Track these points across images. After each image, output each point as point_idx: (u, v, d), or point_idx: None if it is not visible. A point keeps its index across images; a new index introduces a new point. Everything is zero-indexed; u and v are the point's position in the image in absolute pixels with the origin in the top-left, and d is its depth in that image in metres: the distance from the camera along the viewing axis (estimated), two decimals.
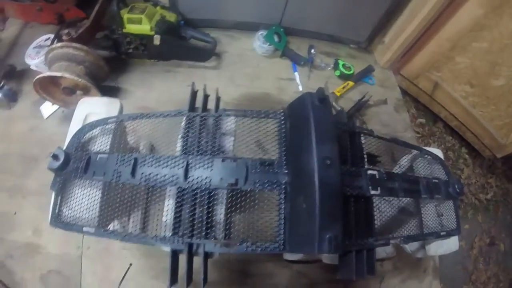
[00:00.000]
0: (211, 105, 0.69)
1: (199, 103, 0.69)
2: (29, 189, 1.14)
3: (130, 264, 0.98)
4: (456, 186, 0.78)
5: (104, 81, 1.15)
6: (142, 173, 0.59)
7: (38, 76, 0.96)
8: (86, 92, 1.04)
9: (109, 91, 1.05)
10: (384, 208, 0.72)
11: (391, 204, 0.71)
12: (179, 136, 0.65)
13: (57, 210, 0.69)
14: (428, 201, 0.80)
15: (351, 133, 0.72)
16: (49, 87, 1.04)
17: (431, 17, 1.21)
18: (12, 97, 1.25)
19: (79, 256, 1.02)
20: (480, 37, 1.17)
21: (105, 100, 0.75)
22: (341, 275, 0.62)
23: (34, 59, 1.15)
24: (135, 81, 1.31)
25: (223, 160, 0.58)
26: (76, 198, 0.68)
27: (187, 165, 0.58)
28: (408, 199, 0.77)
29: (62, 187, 0.69)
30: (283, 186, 0.58)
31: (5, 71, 1.24)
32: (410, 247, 0.91)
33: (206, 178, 0.57)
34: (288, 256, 0.94)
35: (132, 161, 0.60)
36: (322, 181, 0.52)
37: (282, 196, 0.58)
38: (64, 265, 1.02)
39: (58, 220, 0.68)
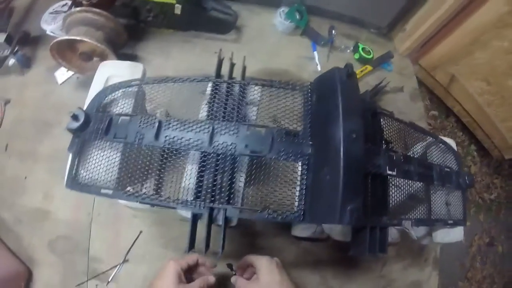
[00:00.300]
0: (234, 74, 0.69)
1: (223, 71, 0.69)
2: (41, 154, 1.14)
3: (140, 231, 0.99)
4: (466, 177, 0.79)
5: (122, 48, 1.14)
6: (166, 136, 0.59)
7: (55, 40, 0.95)
8: (103, 58, 1.03)
9: (127, 58, 1.03)
10: (398, 189, 0.73)
11: (405, 186, 0.71)
12: (204, 102, 0.65)
13: (74, 172, 0.69)
14: (439, 188, 0.81)
15: (373, 112, 0.72)
16: (65, 52, 1.03)
17: (455, 9, 1.19)
18: (26, 63, 1.24)
19: (89, 222, 1.03)
20: (502, 35, 1.15)
21: (127, 63, 0.74)
22: (354, 251, 0.63)
23: (50, 25, 1.13)
24: (153, 49, 1.29)
25: (249, 128, 0.58)
26: (95, 160, 0.67)
27: (213, 130, 0.58)
28: (419, 184, 0.78)
29: (80, 149, 0.69)
30: (307, 157, 0.58)
31: (19, 36, 1.22)
32: (416, 233, 0.92)
33: (231, 144, 0.57)
34: (297, 232, 0.95)
35: (156, 124, 0.60)
36: (347, 154, 0.52)
37: (305, 167, 0.58)
38: (73, 231, 1.03)
39: (75, 182, 0.68)
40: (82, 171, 0.69)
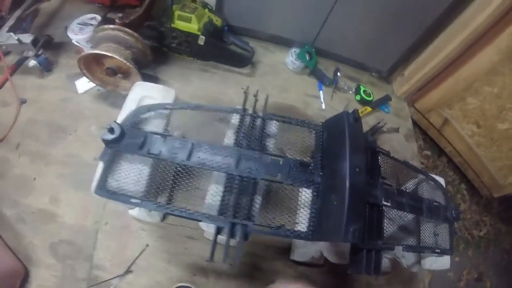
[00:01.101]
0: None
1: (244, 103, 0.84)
2: (53, 158, 1.24)
3: (147, 245, 1.09)
4: (453, 211, 0.95)
5: (145, 68, 1.28)
6: (198, 157, 0.72)
7: (86, 52, 1.08)
8: (126, 76, 1.17)
9: (148, 79, 1.17)
10: (391, 218, 0.88)
11: (397, 216, 0.86)
12: (230, 131, 0.80)
13: (103, 180, 0.80)
14: (428, 220, 0.96)
15: (373, 150, 0.88)
16: (91, 64, 1.16)
17: (451, 57, 1.40)
18: (47, 67, 1.36)
19: (96, 230, 1.11)
20: (493, 81, 1.35)
21: (161, 87, 0.88)
22: (352, 269, 0.76)
23: (77, 35, 1.27)
24: (173, 74, 1.44)
25: (270, 157, 0.72)
26: (125, 170, 0.79)
27: (239, 156, 0.72)
28: (410, 216, 0.93)
29: (112, 159, 0.81)
30: (317, 185, 0.73)
31: (44, 40, 1.33)
32: (407, 261, 1.06)
33: (255, 169, 0.71)
34: (296, 257, 1.07)
35: (190, 146, 0.73)
36: (352, 184, 0.67)
37: (315, 193, 0.73)
38: (78, 237, 1.11)
39: (103, 189, 0.78)
40: (110, 180, 0.80)
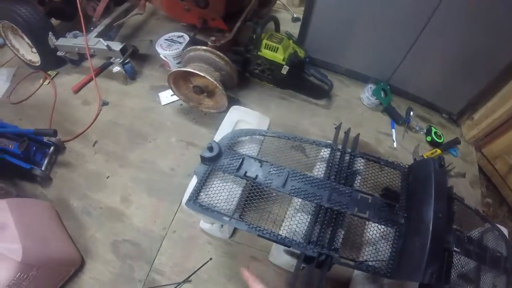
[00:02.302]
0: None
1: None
2: (129, 161, 1.39)
3: (210, 258, 1.18)
4: None
5: (229, 90, 1.40)
6: (292, 186, 0.83)
7: (179, 69, 1.23)
8: (210, 95, 1.31)
9: (230, 101, 1.30)
10: (458, 264, 0.94)
11: (462, 263, 0.92)
12: (321, 164, 0.90)
13: (196, 194, 0.91)
14: (488, 270, 1.01)
15: (449, 196, 0.95)
16: (179, 80, 1.31)
17: None
18: (132, 75, 1.54)
19: (162, 236, 1.22)
20: None
21: (257, 114, 1.00)
22: None
23: (165, 50, 1.44)
24: (253, 98, 1.58)
25: (360, 195, 0.82)
26: (218, 188, 0.90)
27: (332, 190, 0.82)
28: (474, 263, 0.98)
29: (206, 175, 0.93)
30: (400, 226, 0.81)
31: (131, 50, 1.52)
32: None
33: (345, 204, 0.81)
34: None
35: (286, 174, 0.84)
36: (434, 228, 0.75)
37: (397, 233, 0.81)
38: (143, 239, 1.22)
39: (196, 203, 0.88)
40: (203, 195, 0.91)
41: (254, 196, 0.85)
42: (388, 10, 1.34)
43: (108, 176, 1.36)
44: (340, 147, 0.92)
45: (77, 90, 1.61)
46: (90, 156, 1.42)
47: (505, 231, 1.15)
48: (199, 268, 1.17)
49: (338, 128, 0.93)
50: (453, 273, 0.92)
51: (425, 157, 1.42)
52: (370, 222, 0.82)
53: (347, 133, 0.94)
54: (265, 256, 1.15)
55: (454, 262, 0.93)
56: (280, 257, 1.14)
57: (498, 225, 1.13)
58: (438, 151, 1.46)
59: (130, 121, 1.46)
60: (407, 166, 0.90)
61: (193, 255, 1.19)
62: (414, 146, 1.47)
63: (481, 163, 1.61)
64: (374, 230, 0.88)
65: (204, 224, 1.20)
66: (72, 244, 1.20)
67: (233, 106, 1.02)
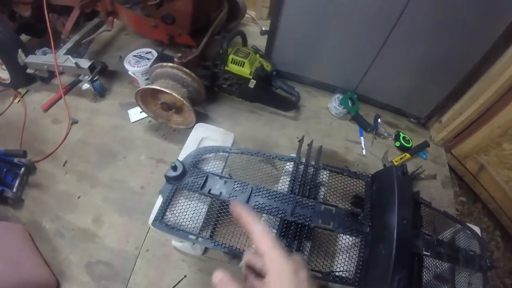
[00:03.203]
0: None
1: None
2: (100, 180, 1.36)
3: (185, 276, 1.16)
4: (487, 260, 1.00)
5: (197, 106, 1.41)
6: (256, 202, 0.82)
7: (146, 86, 1.22)
8: (179, 111, 1.30)
9: (198, 116, 1.30)
10: (429, 267, 0.95)
11: (434, 266, 0.93)
12: (284, 178, 0.90)
13: (162, 214, 0.90)
14: (463, 270, 1.02)
15: (415, 201, 0.96)
16: (147, 97, 1.30)
17: (486, 105, 1.48)
18: (101, 93, 1.52)
19: (135, 256, 1.20)
20: None
21: (221, 130, 1.00)
22: None
23: (134, 67, 1.43)
24: (222, 113, 1.59)
25: (324, 206, 0.82)
26: (183, 207, 0.89)
27: (295, 203, 0.81)
28: (447, 265, 0.99)
29: (171, 194, 0.92)
30: (365, 235, 0.81)
31: (100, 67, 1.50)
32: None
33: (309, 217, 0.80)
34: None
35: (249, 190, 0.83)
36: (399, 235, 0.75)
37: (363, 242, 0.81)
38: (116, 260, 1.20)
39: (162, 223, 0.87)
40: (169, 215, 0.90)
41: (224, 212, 0.84)
42: (352, 21, 1.36)
43: (79, 197, 1.33)
44: (304, 160, 0.93)
45: (47, 109, 1.58)
46: (61, 176, 1.38)
47: (477, 229, 1.16)
48: (174, 286, 1.15)
49: (301, 141, 0.94)
50: (425, 276, 0.93)
51: (395, 162, 1.44)
52: (338, 233, 0.82)
53: (310, 145, 0.94)
54: (239, 270, 1.13)
55: (426, 266, 0.94)
56: None
57: (471, 224, 1.15)
58: (408, 155, 1.48)
59: (99, 139, 1.44)
60: (370, 175, 0.91)
61: (168, 273, 1.17)
62: (383, 152, 1.49)
63: (452, 164, 1.64)
64: (341, 240, 0.88)
65: (176, 242, 1.18)
66: (47, 267, 1.16)
67: (198, 124, 1.02)
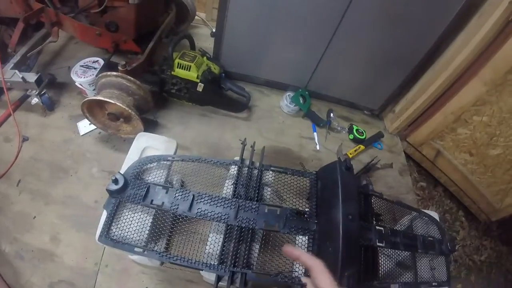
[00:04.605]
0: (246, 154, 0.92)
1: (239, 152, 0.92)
2: (53, 198, 1.30)
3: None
4: (448, 244, 1.01)
5: (146, 113, 1.36)
6: (198, 209, 0.79)
7: (90, 97, 1.17)
8: (127, 120, 1.25)
9: (148, 124, 1.26)
10: (386, 258, 0.94)
11: (392, 255, 0.93)
12: (229, 182, 0.87)
13: (107, 229, 0.86)
14: (423, 255, 1.02)
15: (365, 194, 0.95)
16: (94, 108, 1.24)
17: (439, 92, 1.51)
18: (50, 106, 1.44)
19: (95, 272, 1.15)
20: (481, 111, 1.45)
21: (164, 138, 0.95)
22: None
23: (80, 77, 1.36)
24: (173, 118, 1.54)
25: (267, 207, 0.80)
26: (128, 220, 0.85)
27: (238, 207, 0.79)
28: (406, 252, 0.99)
29: (115, 208, 0.87)
30: (312, 233, 0.80)
31: (47, 79, 1.42)
32: None
33: (252, 220, 0.78)
34: None
35: (191, 197, 0.80)
36: (345, 231, 0.73)
37: (311, 240, 0.79)
38: (78, 278, 1.15)
39: (108, 238, 0.84)
40: (114, 228, 0.86)
41: (178, 220, 0.81)
42: (298, 17, 1.35)
43: (35, 216, 1.27)
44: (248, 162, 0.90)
45: None
46: (15, 196, 1.31)
47: (435, 214, 1.17)
48: None
49: (244, 144, 0.91)
50: (384, 268, 0.92)
51: (349, 155, 1.44)
52: (285, 233, 0.80)
53: (252, 147, 0.92)
54: (200, 277, 1.10)
55: (385, 256, 0.93)
56: (211, 275, 1.11)
57: (428, 210, 1.15)
58: (362, 147, 1.49)
59: (50, 155, 1.37)
60: (314, 172, 0.89)
61: (129, 287, 1.13)
62: (337, 146, 1.49)
63: (408, 152, 1.66)
64: (289, 240, 0.86)
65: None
66: None
67: (140, 133, 0.97)
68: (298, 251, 0.54)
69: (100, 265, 1.16)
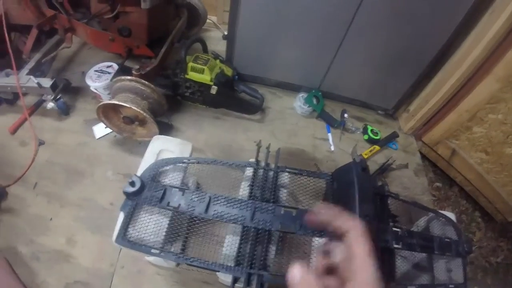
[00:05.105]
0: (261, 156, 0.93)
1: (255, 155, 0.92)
2: (69, 200, 1.32)
3: None
4: (465, 245, 0.99)
5: (160, 116, 1.38)
6: (215, 211, 0.80)
7: (104, 102, 1.19)
8: (142, 124, 1.26)
9: (163, 127, 1.27)
10: (403, 260, 0.93)
11: (409, 257, 0.92)
12: (245, 183, 0.87)
13: (124, 230, 0.87)
14: (440, 257, 1.01)
15: (382, 195, 0.94)
16: (109, 112, 1.26)
17: (453, 91, 1.49)
18: (65, 111, 1.47)
19: (111, 273, 1.17)
20: (496, 109, 1.42)
21: (179, 141, 0.97)
22: None
23: (95, 82, 1.38)
24: (187, 121, 1.55)
25: (284, 209, 0.80)
26: (145, 222, 0.86)
27: (254, 209, 0.79)
28: (423, 254, 0.98)
29: (132, 210, 0.89)
30: (329, 234, 0.79)
31: (62, 84, 1.46)
32: None
33: (269, 221, 0.78)
34: None
35: (207, 199, 0.81)
36: None
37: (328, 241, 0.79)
38: (93, 279, 1.17)
39: (124, 239, 0.85)
40: (131, 230, 0.87)
41: (194, 222, 0.82)
42: (310, 19, 1.35)
43: (51, 218, 1.29)
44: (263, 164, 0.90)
45: (13, 131, 1.53)
46: (31, 199, 1.34)
47: (452, 216, 1.15)
48: None
49: (259, 145, 0.91)
50: (403, 268, 0.91)
51: (364, 156, 1.42)
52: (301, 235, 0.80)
53: (268, 148, 0.92)
54: (215, 279, 1.11)
55: (403, 258, 0.92)
56: (227, 277, 1.11)
57: (445, 211, 1.13)
58: (377, 147, 1.48)
59: (66, 159, 1.40)
60: (330, 173, 0.89)
61: None
62: (352, 147, 1.47)
63: (423, 151, 1.64)
64: (306, 241, 0.86)
65: (149, 256, 1.15)
66: None
67: (155, 136, 0.99)
68: (333, 209, 0.40)
69: (116, 266, 1.18)
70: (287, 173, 0.90)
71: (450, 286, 0.97)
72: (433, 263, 1.01)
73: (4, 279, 1.12)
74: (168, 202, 0.84)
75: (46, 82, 1.42)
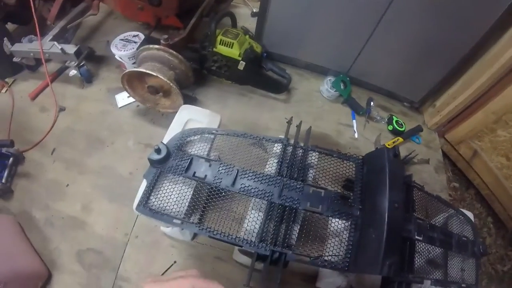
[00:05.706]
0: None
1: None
2: (88, 167, 1.32)
3: (175, 262, 1.13)
4: (480, 247, 0.97)
5: (186, 89, 1.36)
6: (242, 184, 0.78)
7: (131, 69, 1.16)
8: (166, 95, 1.24)
9: (186, 99, 1.25)
10: (421, 252, 0.91)
11: (427, 250, 0.89)
12: (273, 160, 0.85)
13: (146, 198, 0.86)
14: (456, 255, 0.99)
15: (408, 185, 0.92)
16: (134, 81, 1.24)
17: (481, 90, 1.44)
18: (88, 78, 1.46)
19: (125, 243, 1.17)
20: None
21: (208, 112, 0.95)
22: None
23: (120, 51, 1.36)
24: (212, 95, 1.53)
25: (312, 188, 0.77)
26: (168, 191, 0.85)
27: (283, 185, 0.77)
28: (439, 250, 0.96)
29: (155, 178, 0.87)
30: (356, 218, 0.77)
31: (86, 52, 1.44)
32: None
33: (297, 199, 0.76)
34: (322, 285, 1.11)
35: (235, 172, 0.79)
36: (390, 219, 0.71)
37: (353, 226, 0.77)
38: (106, 247, 1.17)
39: (146, 207, 0.83)
40: (153, 199, 0.86)
41: (213, 195, 0.79)
42: (344, 3, 1.30)
43: (68, 184, 1.29)
44: (292, 141, 0.88)
45: (34, 97, 1.52)
46: (49, 165, 1.34)
47: (470, 215, 1.12)
48: (164, 273, 1.12)
49: (289, 123, 0.89)
50: (417, 262, 0.89)
51: (387, 146, 1.40)
52: (327, 216, 0.78)
53: (298, 126, 0.89)
54: (229, 256, 1.11)
55: (418, 250, 0.90)
56: (242, 257, 1.10)
57: (464, 210, 1.11)
58: (400, 139, 1.44)
59: (87, 126, 1.39)
60: (361, 157, 0.86)
61: (158, 260, 1.14)
62: (375, 136, 1.44)
63: (445, 149, 1.60)
64: (332, 224, 0.84)
65: (165, 227, 1.14)
66: (38, 257, 1.13)
67: (183, 106, 0.97)
68: None
69: (130, 236, 1.18)
70: (316, 153, 0.87)
71: (463, 285, 0.96)
72: (447, 260, 0.99)
73: (15, 244, 1.12)
74: (194, 172, 0.82)
75: (70, 48, 1.40)
